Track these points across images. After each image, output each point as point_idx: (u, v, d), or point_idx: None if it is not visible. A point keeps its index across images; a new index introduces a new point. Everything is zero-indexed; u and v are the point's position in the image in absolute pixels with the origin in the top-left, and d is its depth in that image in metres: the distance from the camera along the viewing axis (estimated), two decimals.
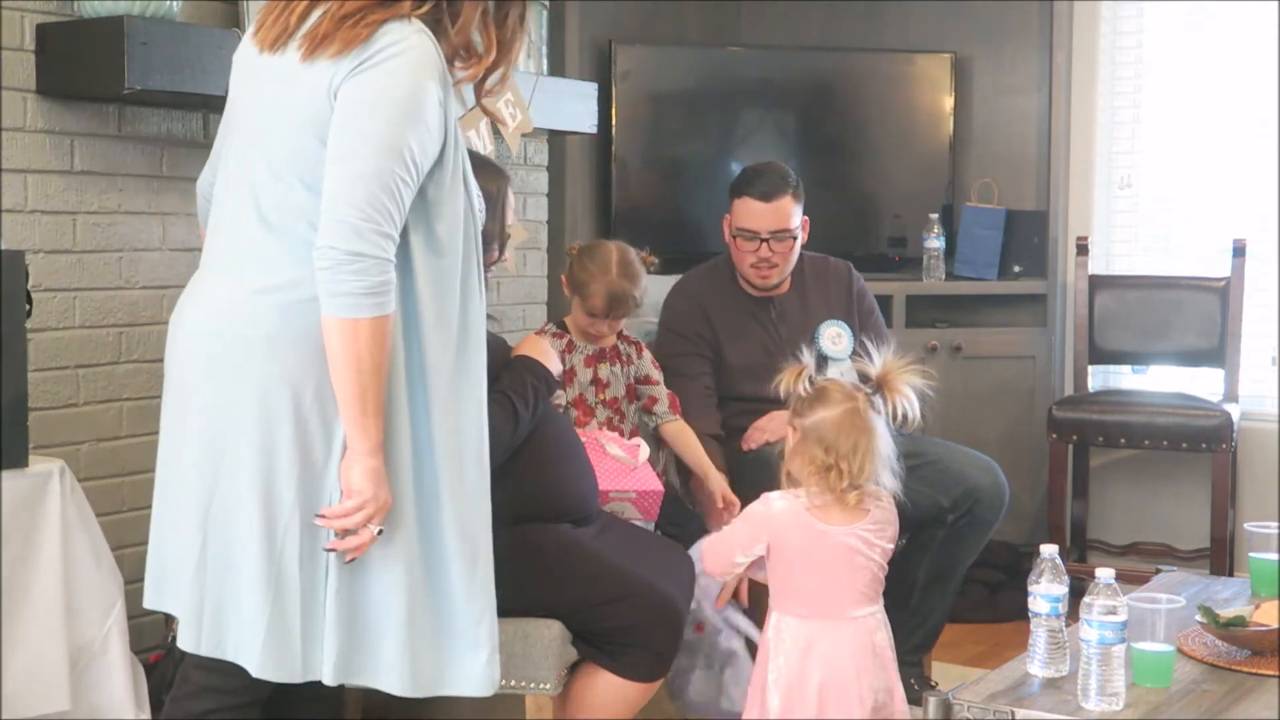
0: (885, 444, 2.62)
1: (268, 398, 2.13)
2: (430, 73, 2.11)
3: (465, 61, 2.24)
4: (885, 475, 2.62)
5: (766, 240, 3.50)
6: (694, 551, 2.96)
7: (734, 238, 3.54)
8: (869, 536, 2.60)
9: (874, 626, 2.61)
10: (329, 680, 2.18)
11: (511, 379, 2.77)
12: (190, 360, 2.21)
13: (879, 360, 2.66)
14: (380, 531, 2.14)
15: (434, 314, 2.18)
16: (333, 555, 2.16)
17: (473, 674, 2.24)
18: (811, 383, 2.65)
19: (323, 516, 2.13)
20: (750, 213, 3.50)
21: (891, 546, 2.65)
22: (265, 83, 2.16)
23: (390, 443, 2.15)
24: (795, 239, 3.54)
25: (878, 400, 2.63)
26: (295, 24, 2.12)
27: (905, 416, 2.63)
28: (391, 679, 2.20)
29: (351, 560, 2.15)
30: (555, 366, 2.88)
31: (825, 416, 2.60)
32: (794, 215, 3.52)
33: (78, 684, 2.71)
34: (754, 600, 2.95)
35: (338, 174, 2.07)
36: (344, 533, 2.13)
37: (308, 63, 2.09)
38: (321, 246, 2.07)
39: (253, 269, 2.16)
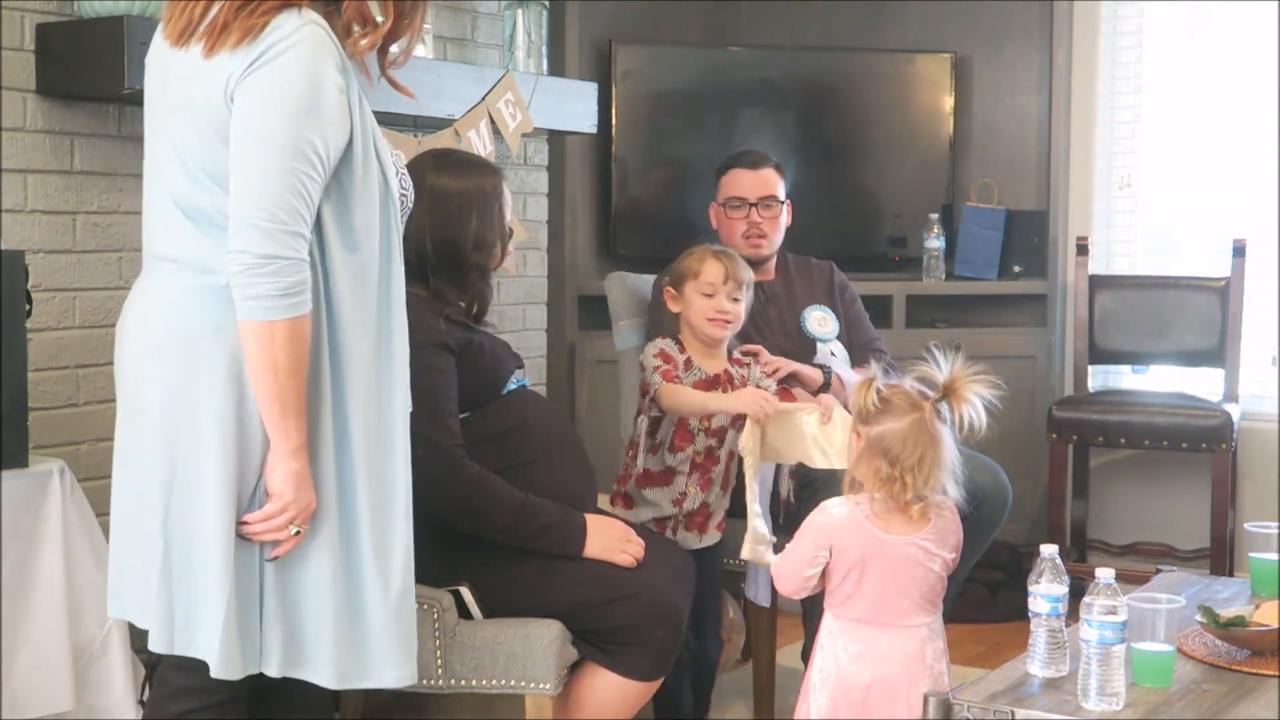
0: (950, 454, 2.56)
1: (217, 391, 2.13)
2: (325, 60, 2.09)
3: (362, 29, 2.21)
4: (950, 484, 2.57)
5: (755, 206, 3.66)
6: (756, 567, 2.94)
7: (723, 207, 3.70)
8: (929, 546, 2.56)
9: (927, 636, 2.56)
10: (274, 673, 2.19)
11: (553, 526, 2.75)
12: (140, 363, 2.20)
13: (946, 367, 2.58)
14: (298, 532, 2.15)
15: (353, 308, 2.17)
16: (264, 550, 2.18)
17: (391, 666, 2.23)
18: (879, 394, 2.56)
19: (245, 523, 2.14)
20: (739, 182, 3.69)
21: (954, 556, 2.60)
22: (173, 81, 2.17)
23: (313, 442, 2.16)
24: (781, 208, 3.69)
25: (943, 408, 2.57)
26: (199, 17, 2.12)
27: (972, 426, 2.56)
28: (323, 671, 2.20)
29: (273, 559, 2.16)
30: (621, 559, 2.78)
31: (891, 428, 2.53)
32: (779, 187, 3.71)
33: (78, 684, 2.71)
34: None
35: (242, 177, 2.07)
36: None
37: (209, 60, 2.09)
38: (232, 251, 2.06)
39: (189, 265, 2.16)
